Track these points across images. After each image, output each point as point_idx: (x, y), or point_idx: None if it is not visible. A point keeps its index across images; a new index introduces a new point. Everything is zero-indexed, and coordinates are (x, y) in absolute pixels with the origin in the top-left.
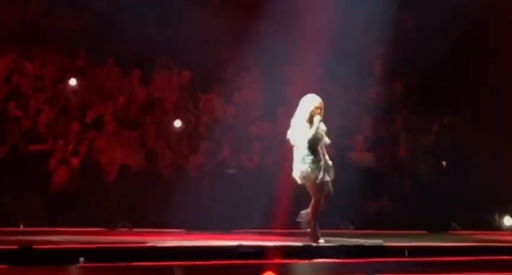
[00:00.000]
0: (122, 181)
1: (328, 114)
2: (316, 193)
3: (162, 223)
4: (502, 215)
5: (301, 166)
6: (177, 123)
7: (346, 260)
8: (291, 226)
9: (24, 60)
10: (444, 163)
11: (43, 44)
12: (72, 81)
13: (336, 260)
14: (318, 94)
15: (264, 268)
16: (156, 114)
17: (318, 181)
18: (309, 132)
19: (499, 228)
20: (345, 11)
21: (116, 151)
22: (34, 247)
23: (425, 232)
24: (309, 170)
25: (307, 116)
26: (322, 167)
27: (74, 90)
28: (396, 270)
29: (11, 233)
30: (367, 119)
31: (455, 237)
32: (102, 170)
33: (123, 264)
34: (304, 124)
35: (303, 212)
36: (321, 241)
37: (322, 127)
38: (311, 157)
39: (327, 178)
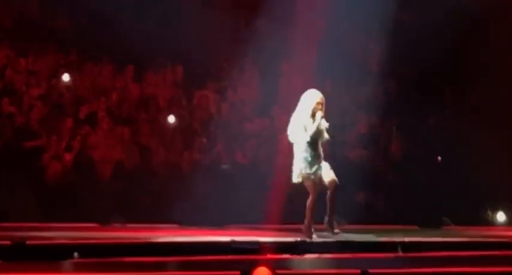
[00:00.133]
0: (115, 177)
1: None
2: (313, 191)
3: (156, 219)
4: (494, 211)
5: (300, 163)
6: (171, 119)
7: (340, 255)
8: (285, 222)
9: (17, 56)
10: (439, 158)
11: (36, 39)
12: (66, 77)
13: (330, 256)
14: None
15: (257, 263)
16: (150, 111)
17: (314, 177)
18: (311, 128)
19: (492, 224)
20: (343, 10)
21: (110, 147)
22: (28, 242)
23: (416, 226)
24: (308, 167)
25: (309, 112)
26: (321, 164)
27: (67, 86)
28: (389, 265)
29: (4, 228)
30: (363, 117)
31: (447, 232)
32: (95, 166)
33: (117, 259)
34: (307, 120)
35: (325, 217)
36: (314, 236)
37: (324, 123)
38: (312, 153)
39: (324, 175)
